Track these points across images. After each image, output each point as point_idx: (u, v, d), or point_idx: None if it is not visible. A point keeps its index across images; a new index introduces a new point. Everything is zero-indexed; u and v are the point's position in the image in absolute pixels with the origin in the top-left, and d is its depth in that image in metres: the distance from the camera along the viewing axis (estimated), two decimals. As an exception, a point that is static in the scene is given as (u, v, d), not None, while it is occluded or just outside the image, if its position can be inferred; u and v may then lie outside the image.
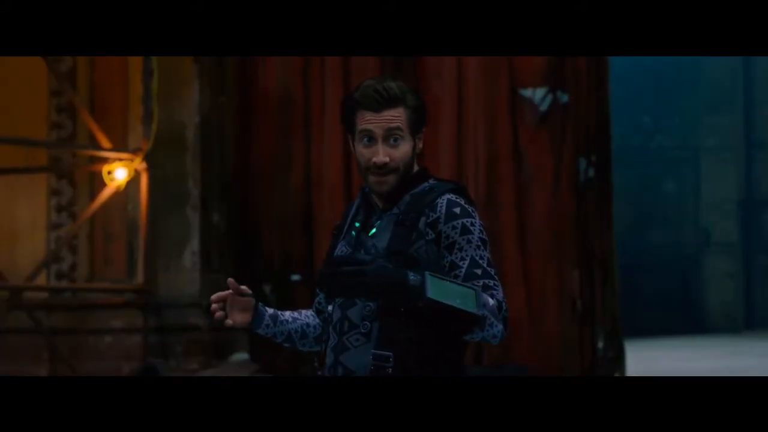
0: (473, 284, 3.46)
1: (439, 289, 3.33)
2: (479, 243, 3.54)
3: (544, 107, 10.26)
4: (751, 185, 22.69)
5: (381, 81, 3.62)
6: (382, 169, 3.58)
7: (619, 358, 10.22)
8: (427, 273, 3.35)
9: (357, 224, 3.68)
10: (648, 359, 14.59)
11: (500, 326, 3.45)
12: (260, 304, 3.70)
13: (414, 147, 3.62)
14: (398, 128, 3.57)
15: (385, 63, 10.29)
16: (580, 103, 10.23)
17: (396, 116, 3.57)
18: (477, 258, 3.52)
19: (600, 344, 10.15)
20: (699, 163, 22.51)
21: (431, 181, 3.66)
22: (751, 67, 22.41)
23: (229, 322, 3.65)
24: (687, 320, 21.73)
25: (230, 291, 3.63)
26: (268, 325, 3.72)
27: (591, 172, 10.23)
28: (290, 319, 3.76)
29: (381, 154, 3.57)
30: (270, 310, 3.73)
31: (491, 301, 3.44)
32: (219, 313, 3.64)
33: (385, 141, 3.58)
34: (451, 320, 3.38)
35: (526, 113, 10.29)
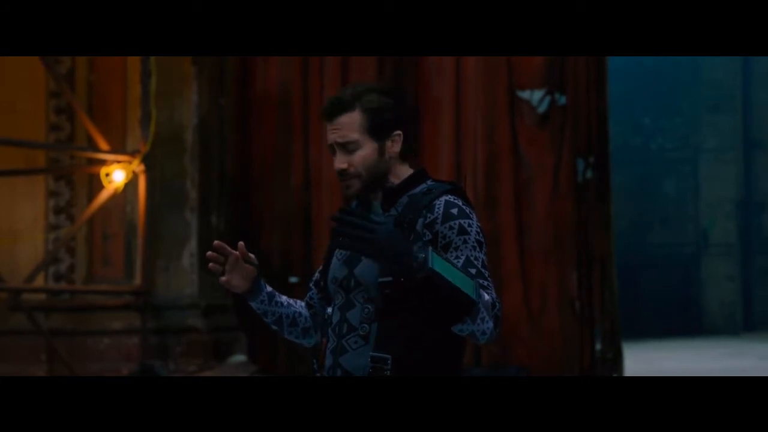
0: None
1: (441, 265, 3.29)
2: (475, 244, 3.53)
3: (542, 109, 10.26)
4: (751, 186, 22.68)
5: (341, 90, 3.65)
6: (342, 175, 3.59)
7: (618, 359, 10.22)
8: (431, 248, 3.31)
9: (354, 225, 3.68)
10: (646, 360, 14.59)
11: (491, 323, 3.41)
12: (262, 278, 3.70)
13: (382, 149, 3.59)
14: (348, 137, 3.57)
15: (385, 63, 10.30)
16: (578, 105, 10.23)
17: (347, 122, 3.58)
18: (472, 258, 3.50)
19: (598, 345, 10.15)
20: (698, 163, 22.51)
21: (429, 182, 3.65)
22: (751, 67, 22.40)
23: (223, 279, 3.64)
24: (686, 321, 21.73)
25: (237, 252, 3.63)
26: (263, 301, 3.73)
27: (590, 173, 10.23)
28: (285, 303, 3.78)
29: (337, 162, 3.59)
30: (269, 288, 3.74)
31: (486, 296, 3.42)
32: (213, 265, 3.64)
33: (342, 148, 3.59)
34: (447, 302, 3.32)
35: (526, 114, 10.29)
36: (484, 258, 3.54)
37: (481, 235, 3.56)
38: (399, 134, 3.61)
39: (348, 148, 3.57)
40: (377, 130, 3.57)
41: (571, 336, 10.13)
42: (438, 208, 3.55)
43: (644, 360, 14.20)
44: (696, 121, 22.50)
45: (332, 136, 3.60)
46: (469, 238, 3.53)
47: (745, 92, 22.55)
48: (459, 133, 10.36)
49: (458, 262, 3.48)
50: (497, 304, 3.45)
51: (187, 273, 10.27)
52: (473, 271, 3.48)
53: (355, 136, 3.56)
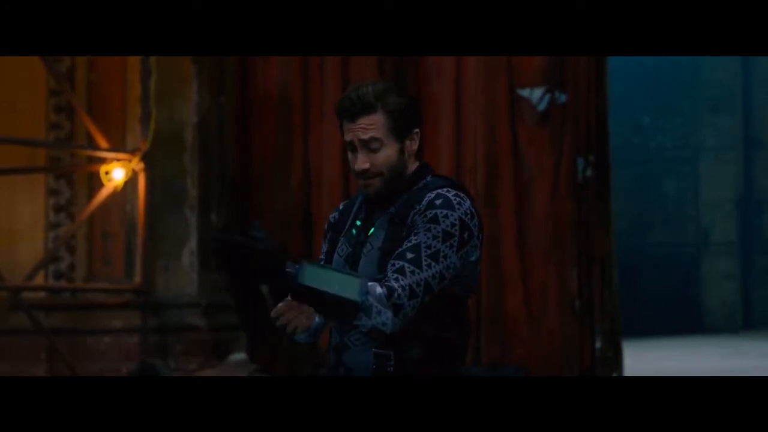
0: (392, 263, 3.47)
1: (316, 278, 3.34)
2: (440, 234, 3.52)
3: (542, 107, 10.25)
4: (751, 185, 22.68)
5: (358, 88, 3.63)
6: (364, 175, 3.61)
7: (618, 358, 10.22)
8: (305, 263, 3.36)
9: (358, 222, 3.70)
10: (647, 359, 14.59)
11: (388, 313, 3.43)
12: None
13: (402, 148, 3.63)
14: (373, 136, 3.58)
15: (385, 63, 10.29)
16: (579, 103, 10.22)
17: (371, 124, 3.58)
18: (423, 245, 3.51)
19: (598, 344, 10.14)
20: (698, 163, 22.51)
21: (429, 178, 3.68)
22: (751, 67, 22.40)
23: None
24: (686, 320, 21.72)
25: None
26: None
27: (590, 172, 10.23)
28: None
29: (360, 162, 3.60)
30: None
31: (378, 290, 3.42)
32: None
33: (364, 148, 3.60)
34: (329, 305, 3.36)
35: (526, 113, 10.28)
36: (446, 251, 3.51)
37: (456, 228, 3.54)
38: (417, 132, 3.67)
39: (371, 146, 3.59)
40: (399, 131, 3.61)
41: (571, 336, 10.12)
42: (426, 200, 3.58)
43: (644, 359, 14.20)
44: (696, 121, 22.49)
45: (354, 135, 3.60)
46: (436, 228, 3.52)
47: (745, 92, 22.55)
48: (459, 133, 10.34)
49: (407, 244, 3.50)
50: (398, 291, 3.44)
51: (187, 272, 10.28)
52: (410, 255, 3.48)
53: (378, 135, 3.59)
